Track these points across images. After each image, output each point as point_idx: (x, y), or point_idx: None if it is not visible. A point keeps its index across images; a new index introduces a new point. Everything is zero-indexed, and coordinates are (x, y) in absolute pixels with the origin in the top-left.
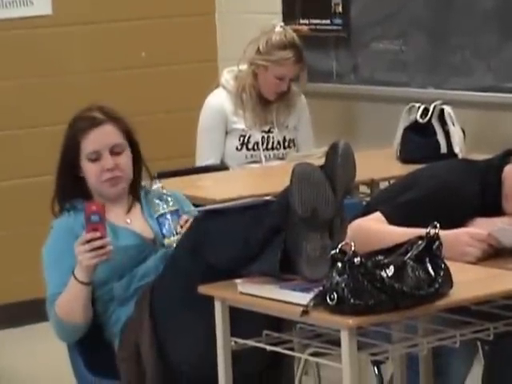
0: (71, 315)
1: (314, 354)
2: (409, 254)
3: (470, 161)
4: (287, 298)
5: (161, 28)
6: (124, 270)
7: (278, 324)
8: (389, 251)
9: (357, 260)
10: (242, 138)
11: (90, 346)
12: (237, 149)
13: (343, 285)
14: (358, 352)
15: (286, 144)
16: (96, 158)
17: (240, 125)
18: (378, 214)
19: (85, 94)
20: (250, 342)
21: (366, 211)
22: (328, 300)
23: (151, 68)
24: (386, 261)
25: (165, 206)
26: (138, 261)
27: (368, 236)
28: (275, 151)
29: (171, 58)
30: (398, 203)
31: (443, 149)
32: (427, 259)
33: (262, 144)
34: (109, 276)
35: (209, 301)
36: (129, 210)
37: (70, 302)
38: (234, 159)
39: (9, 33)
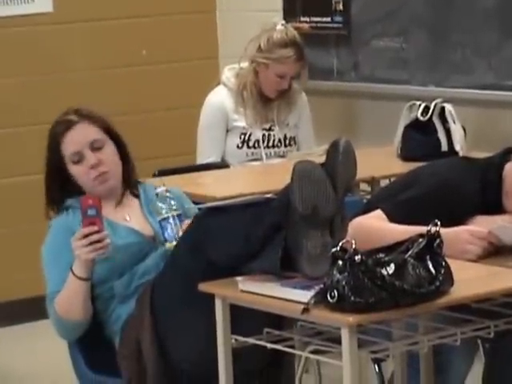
0: (70, 312)
1: (314, 352)
2: (409, 252)
3: (470, 159)
4: (288, 296)
5: (162, 26)
6: (124, 267)
7: (278, 322)
8: (389, 249)
9: (357, 258)
10: (242, 136)
11: (91, 343)
12: (237, 147)
13: (344, 282)
14: (358, 350)
15: (287, 142)
16: (79, 159)
17: (241, 123)
18: (378, 212)
19: (86, 91)
20: (251, 340)
21: (367, 209)
22: (329, 298)
23: (152, 65)
24: (386, 258)
25: (168, 210)
26: (138, 258)
27: (369, 234)
28: (276, 149)
29: (172, 55)
30: (398, 201)
31: (444, 147)
32: (428, 257)
33: (263, 142)
34: (109, 274)
35: (209, 298)
36: (122, 203)
37: (69, 299)
38: (235, 157)
39: (10, 30)
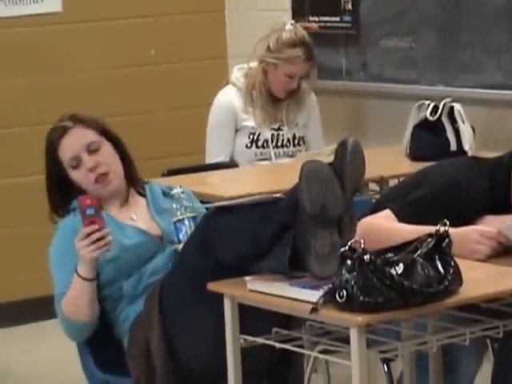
0: (77, 313)
1: (323, 352)
2: (418, 252)
3: (479, 158)
4: (296, 296)
5: (170, 25)
6: (132, 267)
7: (287, 321)
8: (398, 249)
9: (366, 257)
10: (251, 136)
11: (100, 344)
12: (246, 146)
13: (353, 282)
14: (367, 349)
15: (296, 142)
16: (77, 163)
17: (250, 122)
18: (387, 212)
19: (94, 91)
20: (260, 340)
21: (376, 209)
22: (337, 297)
23: (160, 65)
24: (395, 258)
25: (183, 212)
26: (145, 258)
27: (378, 233)
28: (285, 149)
29: (181, 55)
30: (407, 201)
31: (453, 146)
32: (437, 257)
33: (272, 142)
34: (117, 274)
35: (218, 298)
36: (127, 202)
37: (75, 300)
38: (244, 157)
39: (19, 30)
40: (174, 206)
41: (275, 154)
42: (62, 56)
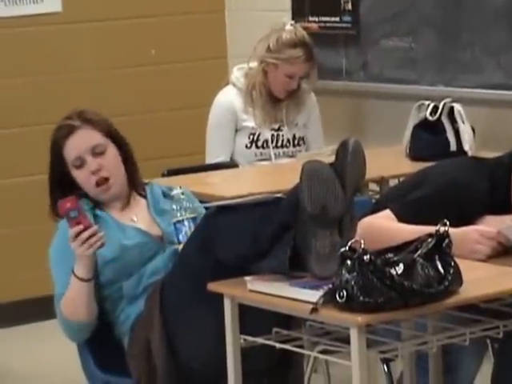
0: (75, 313)
1: (323, 352)
2: (418, 252)
3: (479, 158)
4: (297, 296)
5: (170, 25)
6: (132, 268)
7: (287, 321)
8: (398, 249)
9: (366, 257)
10: (251, 136)
11: (100, 344)
12: (246, 147)
13: (353, 282)
14: (367, 350)
15: (296, 142)
16: (80, 164)
17: (250, 122)
18: (387, 212)
19: (94, 91)
20: (260, 340)
21: (376, 209)
22: (337, 297)
23: (161, 65)
24: (395, 258)
25: (183, 213)
26: (146, 258)
27: (378, 233)
28: (285, 149)
29: (181, 55)
30: (407, 201)
31: (453, 147)
32: (437, 257)
33: (272, 142)
34: (118, 275)
35: (218, 298)
36: (129, 204)
37: (73, 301)
38: (244, 157)
39: (19, 30)
40: (174, 207)
41: (275, 154)
42: (62, 56)
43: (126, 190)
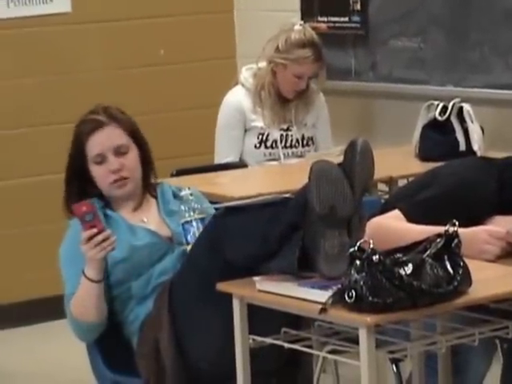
0: (85, 314)
1: (332, 352)
2: (427, 252)
3: (488, 158)
4: (305, 296)
5: (179, 25)
6: (142, 268)
7: (296, 321)
8: (407, 249)
9: (375, 258)
10: (260, 136)
11: (109, 344)
12: (255, 147)
13: (362, 282)
14: (376, 350)
15: (305, 142)
16: (101, 160)
17: (258, 123)
18: (396, 212)
19: (104, 91)
20: (268, 340)
21: (385, 209)
22: (346, 298)
23: (170, 65)
24: (404, 258)
25: (191, 213)
26: (155, 259)
27: (387, 234)
28: (294, 149)
29: (190, 55)
30: (416, 201)
31: (462, 146)
32: (446, 257)
33: (281, 142)
34: (127, 275)
35: (227, 298)
36: (140, 206)
37: (83, 301)
38: (253, 157)
39: (28, 30)
40: (183, 207)
41: (284, 154)
42: (71, 56)
43: (140, 191)
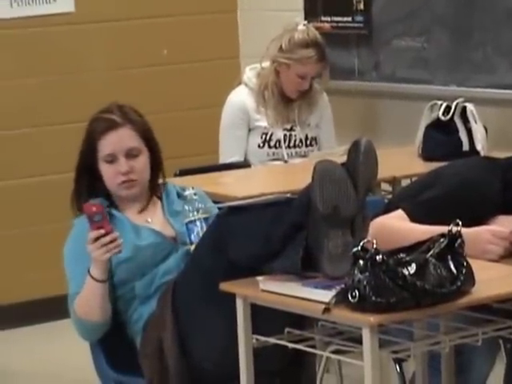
0: (89, 314)
1: (335, 352)
2: (431, 252)
3: (491, 158)
4: (309, 296)
5: (183, 25)
6: (145, 268)
7: (299, 321)
8: (411, 249)
9: (379, 257)
10: (264, 136)
11: (113, 343)
12: (259, 146)
13: (365, 282)
14: (379, 350)
15: (308, 142)
16: (112, 160)
17: (262, 122)
18: (399, 212)
19: (106, 91)
20: (272, 340)
21: (388, 209)
22: (350, 297)
23: (173, 65)
24: (407, 258)
25: (195, 213)
26: (159, 259)
27: (390, 233)
28: (297, 149)
29: (193, 55)
30: (419, 201)
31: (465, 146)
32: (449, 257)
33: (284, 142)
34: (131, 275)
35: (230, 298)
36: (146, 208)
37: (87, 301)
38: (256, 157)
39: (31, 30)
40: (186, 207)
41: (287, 154)
42: (75, 56)
43: (147, 193)
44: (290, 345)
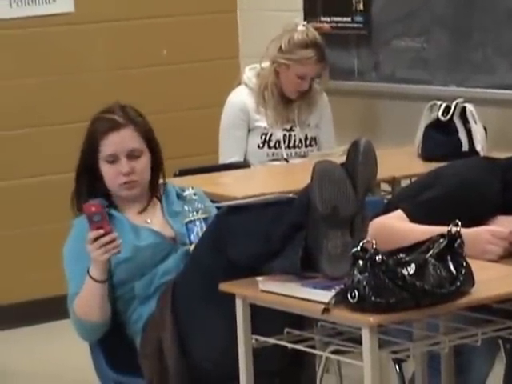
0: (89, 314)
1: (335, 352)
2: (430, 252)
3: (491, 159)
4: (308, 296)
5: (182, 25)
6: (145, 268)
7: (299, 322)
8: (410, 249)
9: (378, 258)
10: (263, 136)
11: (112, 344)
12: (258, 147)
13: (364, 282)
14: (379, 350)
15: (308, 142)
16: (113, 160)
17: (262, 123)
18: (399, 212)
19: (106, 91)
20: (271, 340)
21: (387, 209)
22: (349, 298)
23: (173, 65)
24: (407, 259)
25: (195, 213)
26: (158, 259)
27: (390, 234)
28: (297, 149)
29: (193, 55)
30: (419, 201)
31: (465, 147)
32: (449, 257)
33: (284, 142)
34: (130, 275)
35: (230, 298)
36: (146, 209)
37: (87, 301)
38: (256, 157)
39: (31, 30)
40: (186, 207)
41: (287, 154)
42: (74, 56)
43: (147, 194)
44: (290, 345)
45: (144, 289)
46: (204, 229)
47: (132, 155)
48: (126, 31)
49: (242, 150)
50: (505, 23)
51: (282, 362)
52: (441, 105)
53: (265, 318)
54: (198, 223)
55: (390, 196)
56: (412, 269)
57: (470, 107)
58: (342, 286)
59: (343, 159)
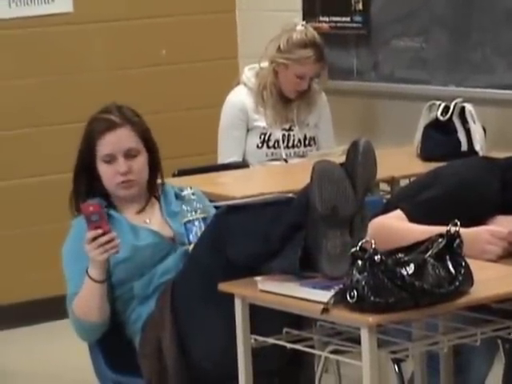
0: (88, 314)
1: (334, 352)
2: (429, 252)
3: (490, 158)
4: (307, 296)
5: (181, 25)
6: (144, 268)
7: (298, 321)
8: (409, 249)
9: (377, 258)
10: (262, 136)
11: (111, 344)
12: (257, 146)
13: (363, 282)
14: (378, 350)
15: (307, 142)
16: (110, 160)
17: (261, 122)
18: (398, 212)
19: (105, 91)
20: (270, 340)
21: (387, 209)
22: (348, 298)
23: (172, 65)
24: (406, 258)
25: (193, 213)
26: (157, 259)
27: (389, 234)
28: (296, 149)
29: (192, 55)
30: (418, 201)
31: (464, 147)
32: (448, 257)
33: (283, 142)
34: (129, 275)
35: (229, 297)
36: (144, 209)
37: (86, 301)
38: (255, 157)
39: (30, 30)
40: (185, 207)
41: (286, 154)
42: (74, 56)
43: (145, 194)
44: (289, 345)
45: (143, 289)
46: (203, 229)
47: (129, 155)
48: (125, 31)
49: (240, 149)
50: (503, 23)
51: (281, 362)
52: (440, 105)
53: (264, 318)
54: (196, 223)
55: (389, 196)
56: (411, 269)
57: (468, 107)
58: (341, 286)
59: (342, 159)
